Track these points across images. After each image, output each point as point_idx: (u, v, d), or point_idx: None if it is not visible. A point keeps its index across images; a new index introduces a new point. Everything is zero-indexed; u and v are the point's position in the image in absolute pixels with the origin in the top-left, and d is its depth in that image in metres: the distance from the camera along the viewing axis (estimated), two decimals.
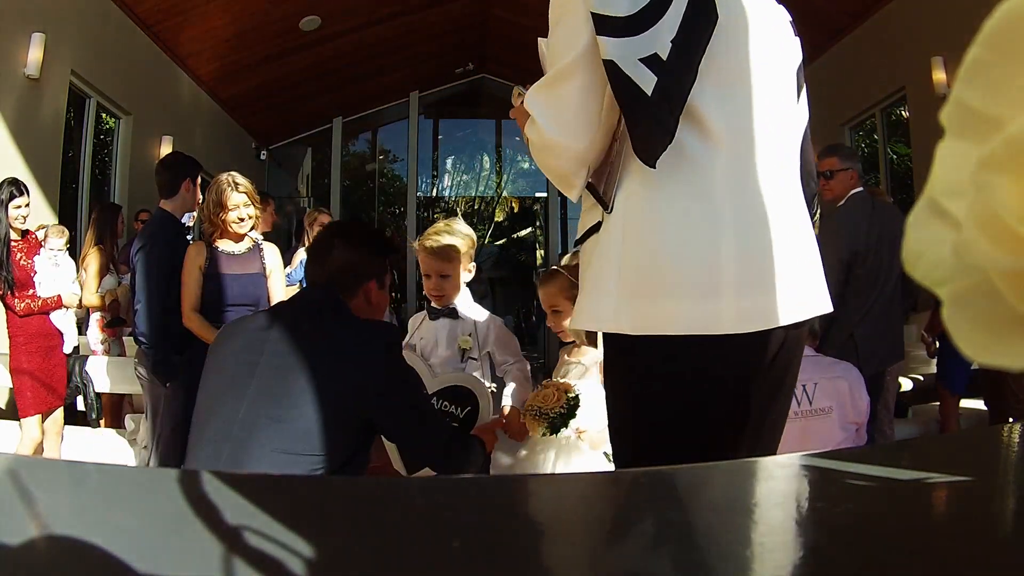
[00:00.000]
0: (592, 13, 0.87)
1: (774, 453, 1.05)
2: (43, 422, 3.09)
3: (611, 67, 0.86)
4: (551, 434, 1.67)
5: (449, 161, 11.82)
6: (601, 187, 0.95)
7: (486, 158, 11.84)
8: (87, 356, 3.56)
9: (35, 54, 4.39)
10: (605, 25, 0.86)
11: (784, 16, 1.03)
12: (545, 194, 11.07)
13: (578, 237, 1.04)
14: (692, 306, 0.89)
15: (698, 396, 0.94)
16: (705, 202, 0.90)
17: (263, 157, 9.31)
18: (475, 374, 1.97)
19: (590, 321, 0.95)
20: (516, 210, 12.24)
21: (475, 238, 2.13)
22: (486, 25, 8.77)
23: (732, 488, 0.63)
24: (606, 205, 0.94)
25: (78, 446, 3.23)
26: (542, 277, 1.83)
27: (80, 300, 3.44)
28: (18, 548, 0.42)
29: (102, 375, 3.38)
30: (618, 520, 0.56)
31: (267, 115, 8.60)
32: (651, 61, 0.86)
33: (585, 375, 1.78)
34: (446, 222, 2.13)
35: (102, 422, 3.63)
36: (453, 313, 2.03)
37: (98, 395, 3.46)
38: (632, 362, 0.95)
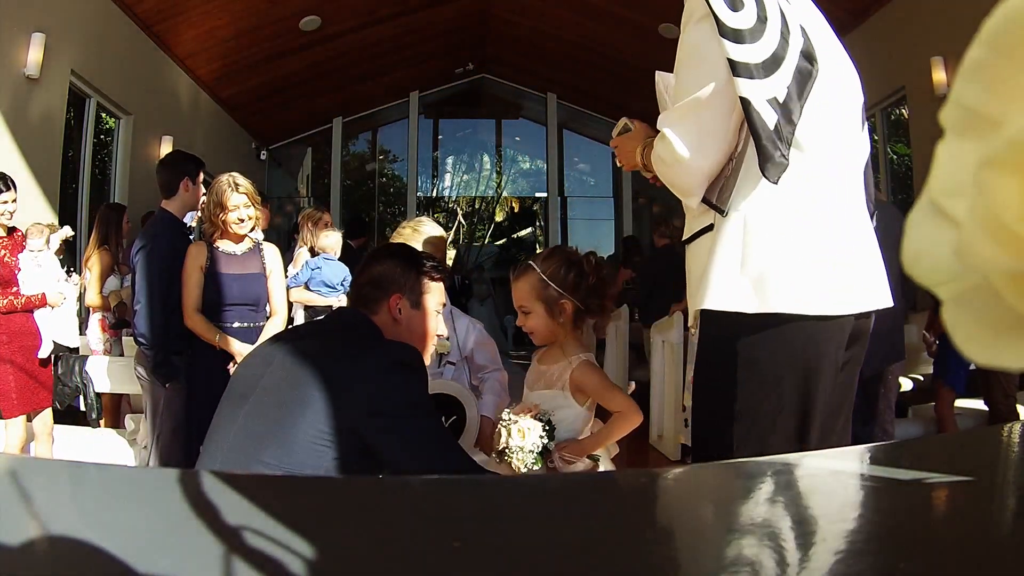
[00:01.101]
0: (729, 59, 1.08)
1: (849, 423, 1.27)
2: (30, 422, 3.04)
3: (745, 104, 1.08)
4: (540, 466, 1.54)
5: (449, 161, 11.82)
6: (714, 196, 1.14)
7: (486, 158, 11.84)
8: (87, 356, 3.56)
9: (35, 54, 4.38)
10: (740, 70, 1.08)
11: (851, 63, 1.24)
12: (545, 194, 11.06)
13: (686, 237, 1.24)
14: (806, 289, 1.08)
15: (803, 372, 1.11)
16: (808, 205, 1.11)
17: (263, 157, 9.30)
18: (452, 379, 1.92)
19: (716, 301, 1.11)
20: (516, 210, 12.23)
21: (444, 238, 2.06)
22: (486, 25, 8.74)
23: (731, 487, 0.63)
24: (722, 210, 1.13)
25: (78, 446, 3.21)
26: (515, 272, 1.70)
27: (66, 299, 3.40)
28: (18, 548, 0.42)
29: (102, 375, 3.37)
30: (618, 519, 0.56)
31: (267, 115, 8.59)
32: (773, 102, 1.08)
33: (555, 384, 1.65)
34: (413, 224, 2.07)
35: (102, 422, 3.62)
36: None
37: (98, 395, 3.45)
38: (749, 338, 1.11)
